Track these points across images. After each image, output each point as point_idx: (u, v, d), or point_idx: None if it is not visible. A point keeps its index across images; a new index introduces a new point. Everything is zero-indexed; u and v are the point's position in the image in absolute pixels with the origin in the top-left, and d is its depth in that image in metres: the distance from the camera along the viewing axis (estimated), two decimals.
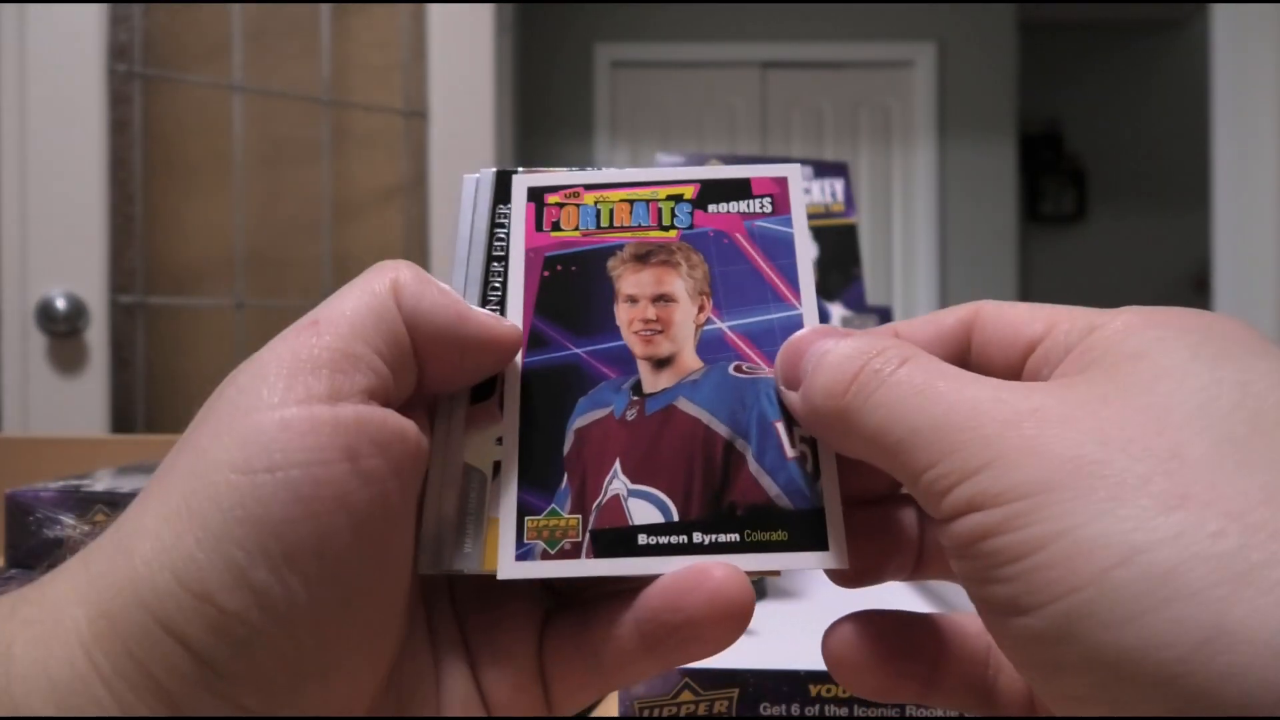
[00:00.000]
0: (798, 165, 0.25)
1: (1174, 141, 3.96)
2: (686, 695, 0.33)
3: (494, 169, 0.25)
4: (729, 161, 0.63)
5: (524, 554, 0.21)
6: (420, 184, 1.50)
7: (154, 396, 1.35)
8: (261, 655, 0.17)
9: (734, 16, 3.39)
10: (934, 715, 0.32)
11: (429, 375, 0.21)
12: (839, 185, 0.64)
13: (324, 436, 0.18)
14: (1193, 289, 3.85)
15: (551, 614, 0.23)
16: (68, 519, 0.42)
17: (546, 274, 0.24)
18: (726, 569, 0.20)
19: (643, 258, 0.24)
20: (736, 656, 0.42)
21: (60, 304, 1.21)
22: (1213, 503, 0.15)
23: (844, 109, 3.44)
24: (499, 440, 0.22)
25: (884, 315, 0.62)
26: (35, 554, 0.42)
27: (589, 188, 0.25)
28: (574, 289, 0.24)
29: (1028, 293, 3.85)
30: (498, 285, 0.24)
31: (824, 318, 0.62)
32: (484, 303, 0.24)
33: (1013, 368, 0.21)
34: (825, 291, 0.62)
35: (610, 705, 0.39)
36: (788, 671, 0.32)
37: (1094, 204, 4.06)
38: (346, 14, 1.48)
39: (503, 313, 0.23)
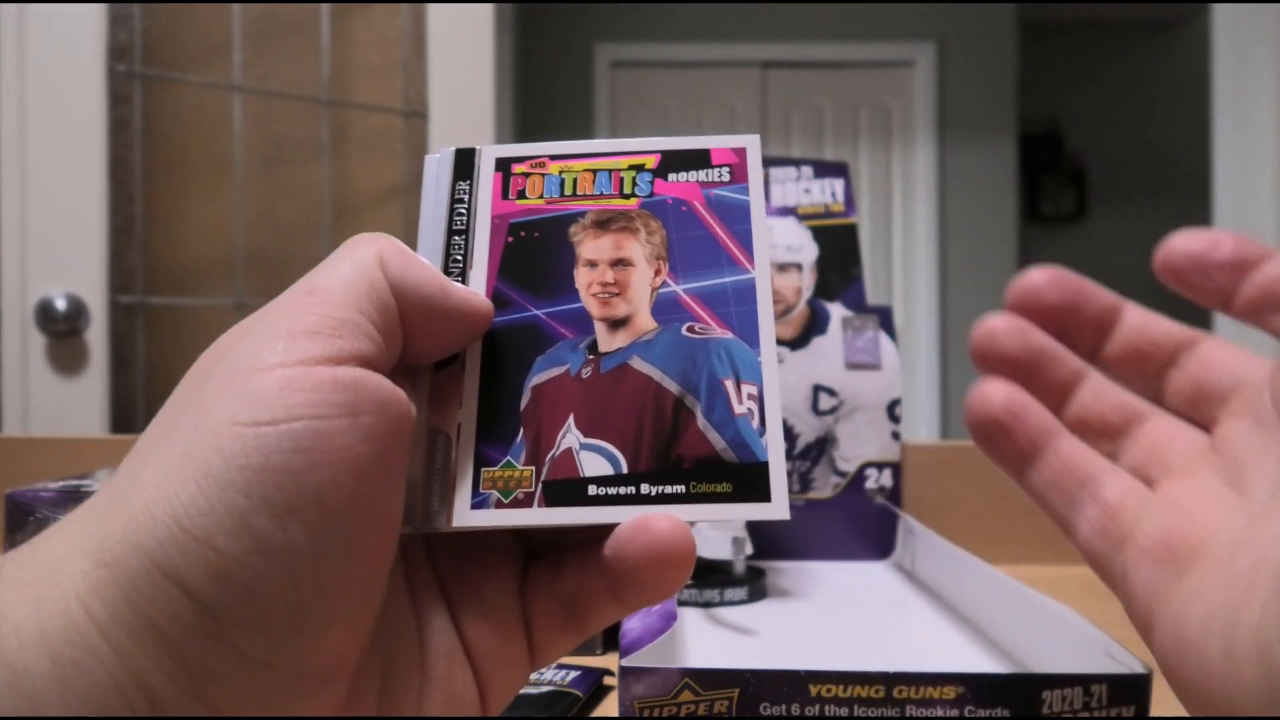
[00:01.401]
0: (756, 136, 0.26)
1: (1174, 141, 3.96)
2: (686, 695, 0.33)
3: (454, 148, 0.27)
4: None
5: (479, 503, 0.22)
6: (420, 184, 1.50)
7: (154, 396, 1.34)
8: (262, 600, 0.17)
9: (734, 16, 3.39)
10: (935, 715, 0.32)
11: (411, 345, 0.22)
12: (839, 185, 0.64)
13: (324, 393, 0.18)
14: None
15: (528, 564, 0.23)
16: None
17: (511, 240, 0.25)
18: (670, 520, 0.21)
19: (603, 224, 0.25)
20: (736, 656, 0.42)
21: (60, 304, 1.21)
22: None
23: (844, 109, 3.44)
24: (461, 404, 0.23)
25: (884, 315, 0.62)
26: None
27: (554, 158, 0.26)
28: (536, 254, 0.25)
29: None
30: (459, 257, 0.25)
31: (824, 317, 0.62)
32: (446, 274, 0.25)
33: None
34: (825, 292, 0.62)
35: (610, 705, 0.39)
36: (788, 671, 0.32)
37: (1094, 204, 4.06)
38: (346, 14, 1.48)
39: (464, 282, 0.25)
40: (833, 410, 0.61)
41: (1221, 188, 1.92)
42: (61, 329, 1.22)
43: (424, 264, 0.22)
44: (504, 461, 0.22)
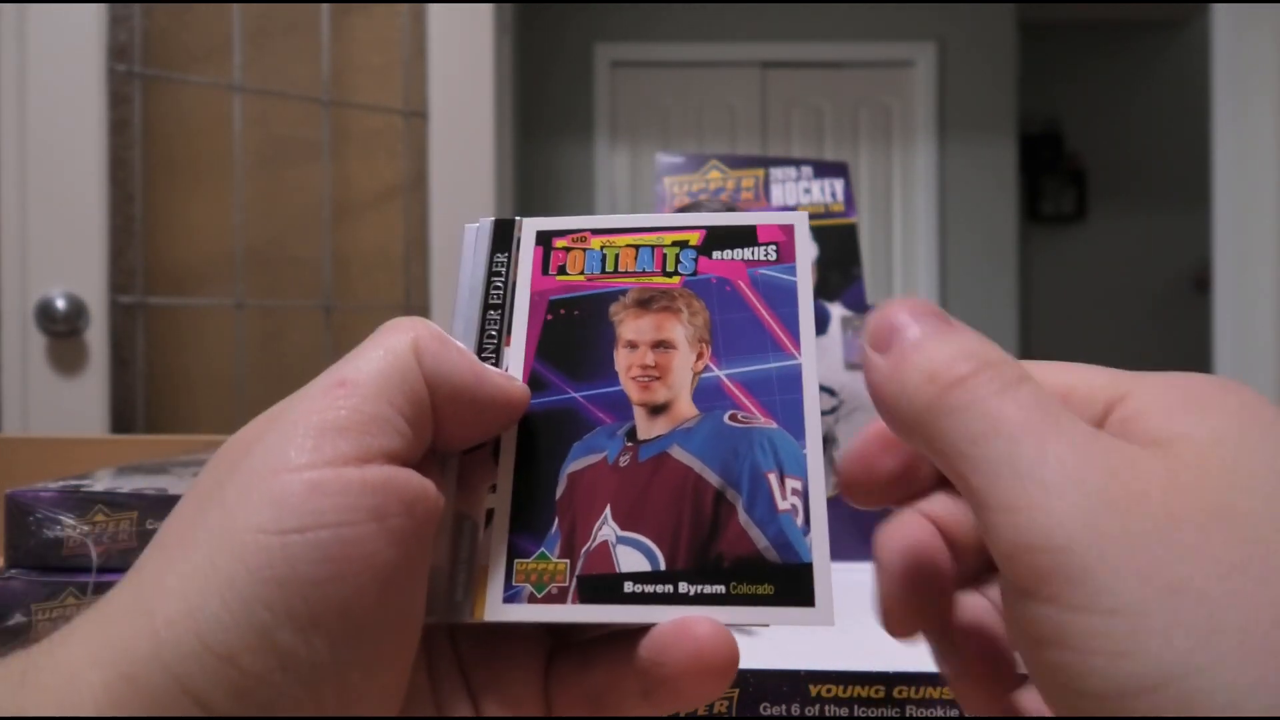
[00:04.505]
0: (805, 214, 0.25)
1: (1174, 141, 3.96)
2: None
3: (492, 218, 0.26)
4: (729, 162, 0.63)
5: (511, 596, 0.21)
6: (420, 184, 1.50)
7: (154, 396, 1.34)
8: (283, 715, 0.17)
9: (734, 16, 3.39)
10: (935, 715, 0.32)
11: (442, 432, 0.21)
12: (839, 185, 0.64)
13: (353, 497, 0.18)
14: (1193, 289, 3.85)
15: (554, 655, 0.23)
16: (68, 519, 0.42)
17: (549, 317, 0.24)
18: (711, 625, 0.20)
19: (645, 303, 0.24)
20: None
21: (60, 304, 1.21)
22: None
23: (844, 109, 3.44)
24: (493, 488, 0.22)
25: None
26: (35, 554, 0.42)
27: (596, 232, 0.25)
28: (575, 333, 0.24)
29: (1028, 293, 3.85)
30: (494, 333, 0.24)
31: (824, 317, 0.62)
32: (480, 350, 0.24)
33: None
34: (825, 292, 0.62)
35: None
36: (788, 671, 0.32)
37: (1094, 204, 4.06)
38: (346, 14, 1.48)
39: (498, 360, 0.24)
40: (833, 410, 0.61)
41: (1221, 188, 1.92)
42: (61, 329, 1.22)
43: (460, 350, 0.21)
44: (538, 553, 0.22)
